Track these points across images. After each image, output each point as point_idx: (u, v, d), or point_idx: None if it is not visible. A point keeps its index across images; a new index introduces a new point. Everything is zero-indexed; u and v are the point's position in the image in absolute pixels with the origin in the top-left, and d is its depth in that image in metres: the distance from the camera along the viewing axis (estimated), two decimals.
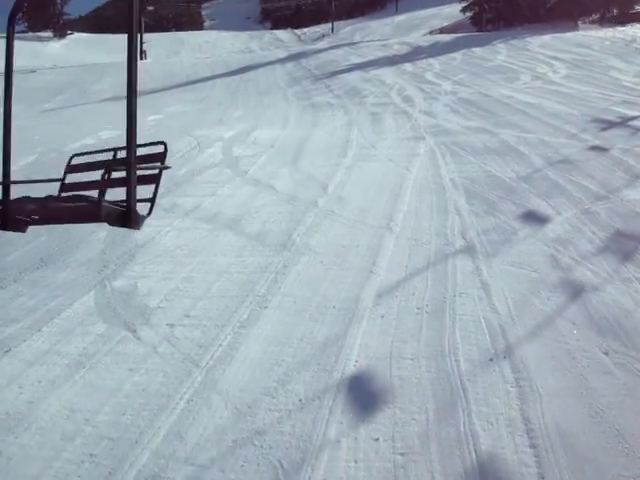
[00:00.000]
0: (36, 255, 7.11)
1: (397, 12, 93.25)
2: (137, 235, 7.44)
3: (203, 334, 5.02)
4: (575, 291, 5.41)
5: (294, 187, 9.14)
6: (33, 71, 38.17)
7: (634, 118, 13.20)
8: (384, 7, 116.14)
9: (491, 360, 4.43)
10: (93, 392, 4.33)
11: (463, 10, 58.93)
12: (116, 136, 14.56)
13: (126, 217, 2.67)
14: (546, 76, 21.07)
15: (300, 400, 4.10)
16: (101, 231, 7.71)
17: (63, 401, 4.24)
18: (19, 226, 2.95)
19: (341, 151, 11.44)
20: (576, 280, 5.63)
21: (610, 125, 12.67)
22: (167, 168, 2.86)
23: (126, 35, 2.63)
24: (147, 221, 7.52)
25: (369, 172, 9.78)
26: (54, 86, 31.03)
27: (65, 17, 72.40)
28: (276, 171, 10.14)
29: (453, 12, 62.82)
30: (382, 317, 5.13)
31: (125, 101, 2.51)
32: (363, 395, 4.11)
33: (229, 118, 17.14)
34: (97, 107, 23.67)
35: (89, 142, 13.97)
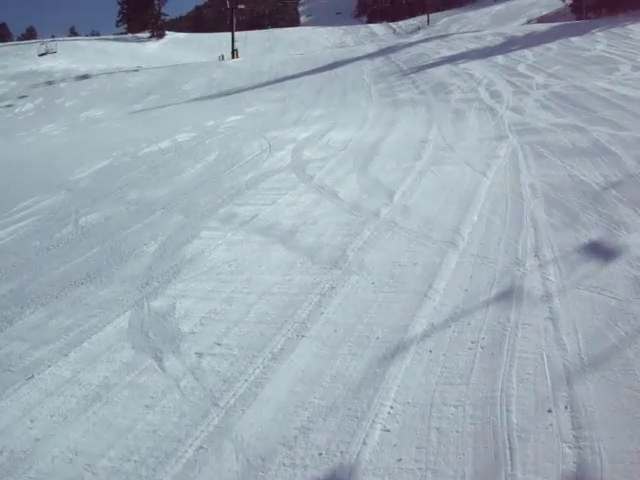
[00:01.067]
0: (84, 269, 6.88)
1: (496, 2, 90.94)
2: (187, 248, 7.13)
3: (231, 366, 4.57)
4: None
5: (359, 194, 8.60)
6: (136, 70, 39.22)
7: None
8: None
9: (549, 411, 3.76)
10: (103, 431, 3.96)
11: None
12: (191, 138, 14.46)
13: None
14: None
15: (320, 454, 3.58)
16: (153, 243, 7.44)
17: (70, 440, 3.89)
18: None
19: (416, 153, 10.79)
20: None
21: None
22: None
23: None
24: (199, 233, 7.15)
25: (442, 177, 9.11)
26: (146, 87, 31.62)
27: (163, 18, 74.17)
28: (343, 176, 9.63)
29: (552, 0, 60.37)
30: (430, 352, 4.53)
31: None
32: (393, 451, 3.54)
33: (307, 118, 16.76)
34: (182, 108, 23.85)
35: (164, 145, 13.91)
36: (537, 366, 4.23)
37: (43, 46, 55.70)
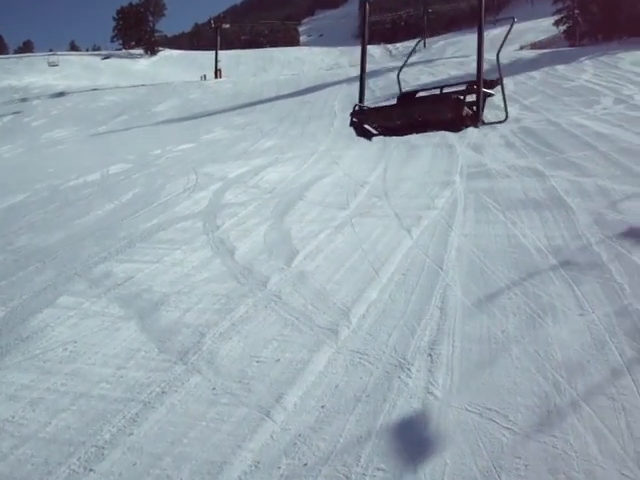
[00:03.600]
0: None
1: (495, 25, 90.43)
2: (32, 321, 5.93)
3: None
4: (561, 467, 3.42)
5: (257, 254, 7.37)
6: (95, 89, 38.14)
7: None
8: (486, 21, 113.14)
9: None
10: None
11: (556, 24, 55.45)
12: (124, 170, 13.32)
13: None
14: (631, 99, 18.44)
15: None
16: (1, 310, 6.25)
17: None
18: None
19: (345, 200, 9.56)
20: (565, 448, 3.62)
21: None
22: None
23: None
24: (57, 299, 5.88)
25: (360, 234, 7.86)
26: (119, 107, 30.67)
27: (157, 34, 73.48)
28: (252, 228, 8.41)
29: (550, 25, 59.51)
30: None
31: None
32: None
33: (255, 150, 15.58)
34: (144, 132, 22.83)
35: (92, 178, 12.78)
36: None
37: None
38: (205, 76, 48.39)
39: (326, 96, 27.24)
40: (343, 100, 25.32)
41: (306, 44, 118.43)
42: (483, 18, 4.39)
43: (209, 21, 54.88)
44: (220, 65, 49.67)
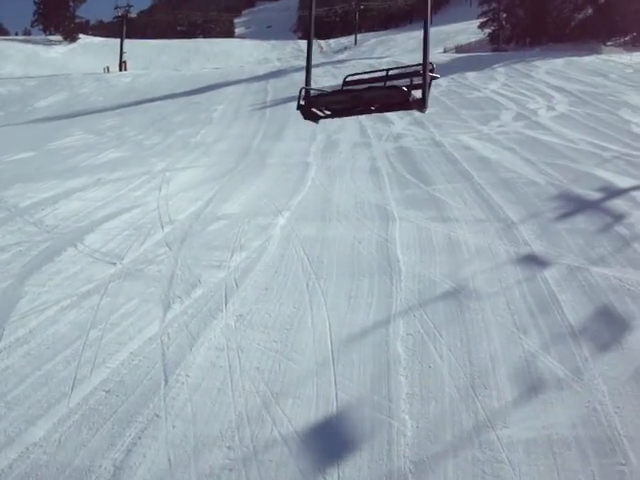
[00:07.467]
0: None
1: (431, 25, 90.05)
2: None
3: None
4: None
5: None
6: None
7: (623, 193, 9.28)
8: (420, 19, 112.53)
9: None
10: None
11: (481, 27, 54.15)
12: None
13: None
14: (535, 114, 17.01)
15: None
16: None
17: None
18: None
19: (127, 248, 7.44)
20: None
21: (578, 207, 8.74)
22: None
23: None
24: None
25: (103, 310, 5.69)
26: (1, 101, 28.06)
27: (79, 20, 70.22)
28: None
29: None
30: None
31: None
32: None
33: (89, 165, 13.45)
34: (7, 132, 20.48)
35: None
36: None
37: None
38: (108, 68, 45.49)
39: (214, 98, 24.97)
40: (230, 105, 23.18)
41: (243, 36, 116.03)
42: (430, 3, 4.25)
43: (115, 10, 52.32)
44: (126, 57, 46.95)
